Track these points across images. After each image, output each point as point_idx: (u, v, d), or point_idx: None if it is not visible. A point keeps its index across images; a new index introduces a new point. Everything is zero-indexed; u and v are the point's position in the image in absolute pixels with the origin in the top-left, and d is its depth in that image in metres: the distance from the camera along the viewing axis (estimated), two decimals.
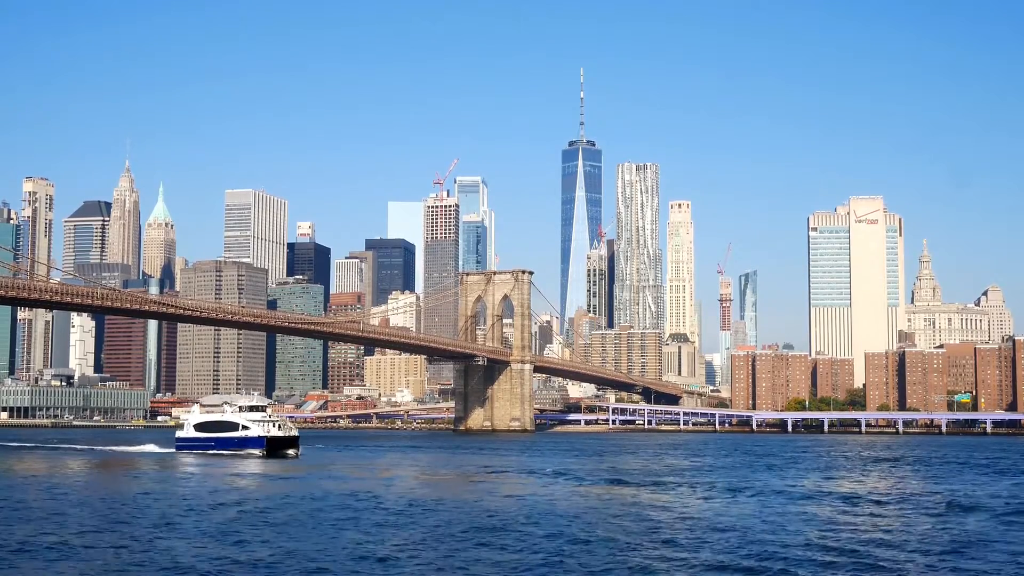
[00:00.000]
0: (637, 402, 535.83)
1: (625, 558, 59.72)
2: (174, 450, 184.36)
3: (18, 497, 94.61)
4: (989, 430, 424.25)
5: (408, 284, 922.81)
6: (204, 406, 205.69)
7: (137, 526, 72.70)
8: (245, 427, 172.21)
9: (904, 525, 77.39)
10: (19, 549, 61.04)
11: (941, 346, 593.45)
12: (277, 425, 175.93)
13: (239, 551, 61.23)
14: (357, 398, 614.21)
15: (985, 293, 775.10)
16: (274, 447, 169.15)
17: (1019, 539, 69.43)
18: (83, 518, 77.12)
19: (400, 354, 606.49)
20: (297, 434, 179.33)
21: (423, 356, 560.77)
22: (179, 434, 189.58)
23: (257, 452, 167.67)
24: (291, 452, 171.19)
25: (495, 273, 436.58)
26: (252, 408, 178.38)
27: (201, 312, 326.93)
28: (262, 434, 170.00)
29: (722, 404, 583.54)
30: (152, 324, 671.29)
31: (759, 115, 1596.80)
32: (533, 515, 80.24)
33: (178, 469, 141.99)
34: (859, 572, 56.24)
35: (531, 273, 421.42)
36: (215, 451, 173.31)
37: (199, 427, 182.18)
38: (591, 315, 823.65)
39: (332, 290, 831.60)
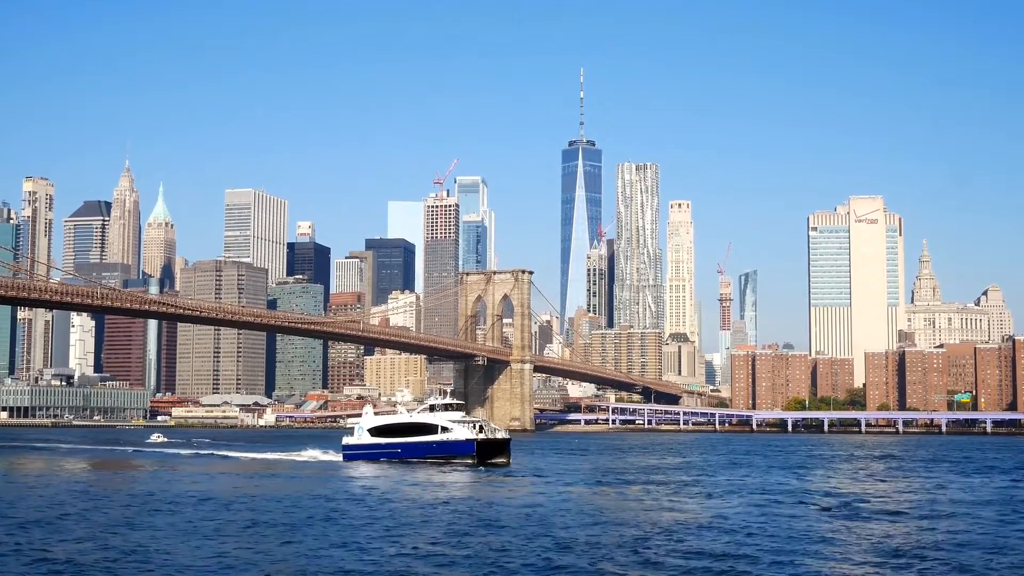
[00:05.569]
0: (637, 402, 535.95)
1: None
2: (341, 459, 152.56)
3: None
4: (989, 430, 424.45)
5: (408, 284, 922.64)
6: (379, 410, 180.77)
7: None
8: (446, 429, 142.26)
9: (845, 525, 77.52)
10: None
11: (941, 346, 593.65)
12: (478, 426, 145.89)
13: None
14: (357, 398, 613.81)
15: (985, 293, 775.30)
16: (485, 453, 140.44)
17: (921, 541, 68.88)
18: None
19: (400, 354, 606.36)
20: (508, 436, 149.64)
21: (423, 356, 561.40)
22: (348, 440, 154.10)
23: (466, 460, 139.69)
24: (502, 459, 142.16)
25: (495, 273, 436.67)
26: (447, 407, 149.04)
27: (201, 312, 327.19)
28: (471, 437, 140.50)
29: (722, 404, 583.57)
30: (152, 324, 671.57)
31: (759, 115, 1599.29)
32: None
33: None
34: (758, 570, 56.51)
35: (531, 273, 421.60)
36: (404, 459, 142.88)
37: (377, 431, 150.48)
38: (591, 315, 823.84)
39: (332, 290, 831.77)
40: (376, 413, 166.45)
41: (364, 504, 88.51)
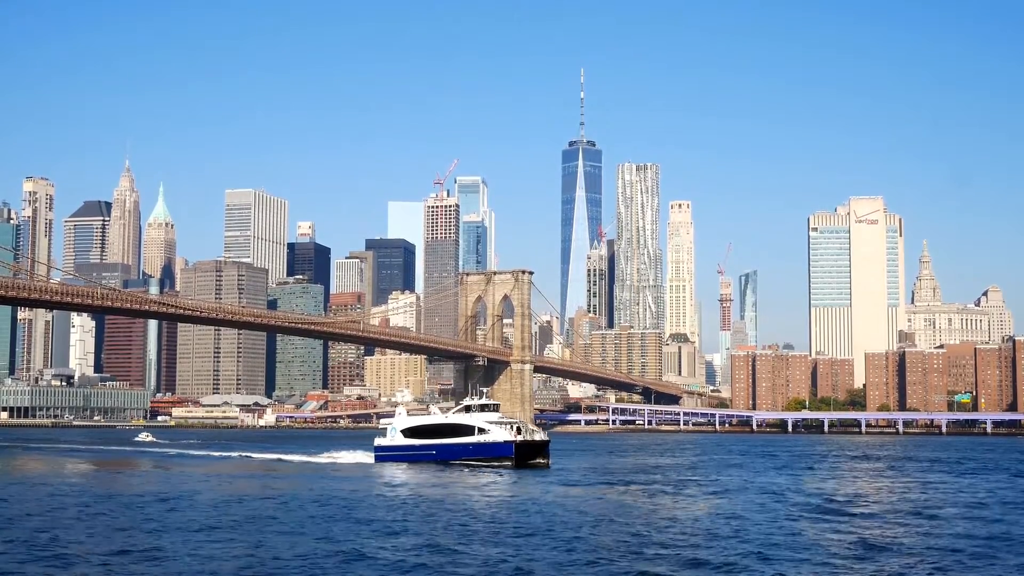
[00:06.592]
0: (637, 402, 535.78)
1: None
2: (372, 461, 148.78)
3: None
4: (989, 430, 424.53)
5: (408, 284, 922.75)
6: (413, 411, 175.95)
7: None
8: (483, 430, 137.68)
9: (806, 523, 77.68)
10: None
11: (941, 346, 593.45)
12: (516, 427, 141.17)
13: None
14: (357, 398, 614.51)
15: (985, 293, 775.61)
16: (524, 455, 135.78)
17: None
18: None
19: (400, 354, 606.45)
20: (548, 438, 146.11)
21: (423, 356, 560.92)
22: (380, 442, 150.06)
23: (504, 462, 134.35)
24: (541, 461, 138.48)
25: (495, 273, 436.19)
26: (483, 407, 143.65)
27: (201, 312, 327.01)
28: (509, 438, 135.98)
29: (722, 404, 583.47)
30: (152, 324, 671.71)
31: (759, 115, 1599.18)
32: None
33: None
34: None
35: (531, 273, 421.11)
36: (440, 461, 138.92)
37: (411, 432, 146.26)
38: (591, 315, 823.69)
39: (332, 290, 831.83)
40: (409, 414, 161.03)
41: (392, 506, 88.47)
